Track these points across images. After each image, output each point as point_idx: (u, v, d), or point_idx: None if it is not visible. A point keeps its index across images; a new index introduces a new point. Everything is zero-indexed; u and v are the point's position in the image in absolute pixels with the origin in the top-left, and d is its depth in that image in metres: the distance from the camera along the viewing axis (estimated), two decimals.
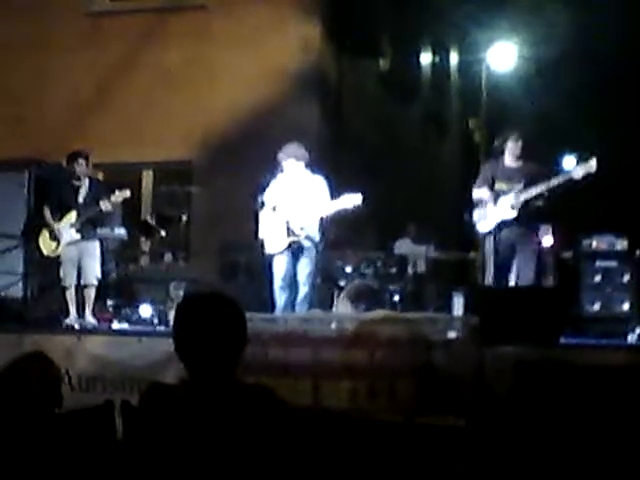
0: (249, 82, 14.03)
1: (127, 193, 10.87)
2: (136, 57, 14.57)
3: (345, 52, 14.66)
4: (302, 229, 9.61)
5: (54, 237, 10.69)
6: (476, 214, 9.97)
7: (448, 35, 20.19)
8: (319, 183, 9.77)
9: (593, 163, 9.36)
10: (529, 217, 9.77)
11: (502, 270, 9.79)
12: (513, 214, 9.69)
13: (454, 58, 21.30)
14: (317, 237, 9.75)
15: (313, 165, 9.92)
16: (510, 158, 9.92)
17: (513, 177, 9.80)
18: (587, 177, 9.40)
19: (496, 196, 9.79)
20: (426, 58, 19.44)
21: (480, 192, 9.94)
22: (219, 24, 14.27)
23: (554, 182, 9.55)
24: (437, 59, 20.05)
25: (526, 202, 9.64)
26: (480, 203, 9.95)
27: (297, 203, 9.67)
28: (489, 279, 9.83)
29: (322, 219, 9.73)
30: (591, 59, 15.44)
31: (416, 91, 18.67)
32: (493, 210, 9.80)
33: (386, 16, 16.12)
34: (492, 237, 9.81)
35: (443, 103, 20.96)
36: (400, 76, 17.27)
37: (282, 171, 9.86)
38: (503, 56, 19.20)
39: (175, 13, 14.69)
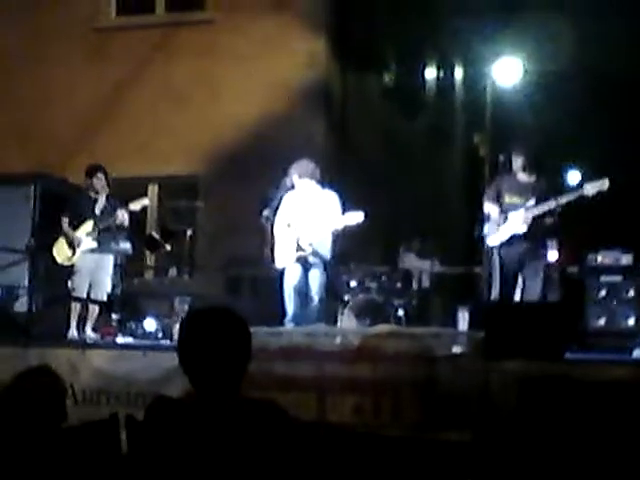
0: (255, 97, 14.06)
1: (146, 201, 11.04)
2: (142, 72, 14.61)
3: (350, 67, 14.69)
4: (310, 245, 9.65)
5: (71, 245, 10.79)
6: (486, 228, 9.96)
7: (453, 49, 20.22)
8: (330, 198, 9.83)
9: (606, 182, 9.35)
10: (538, 233, 9.76)
11: (508, 285, 9.78)
12: (523, 229, 9.68)
13: (459, 72, 21.32)
14: (327, 252, 9.80)
15: (323, 180, 9.96)
16: (520, 173, 9.92)
17: (524, 192, 9.79)
18: (598, 195, 9.42)
19: (507, 210, 9.79)
20: (431, 72, 19.46)
21: (490, 206, 9.94)
22: (225, 39, 14.30)
23: (565, 199, 9.56)
24: (442, 73, 20.07)
25: (536, 218, 9.64)
26: (490, 217, 9.95)
27: (308, 219, 9.73)
28: (494, 294, 9.82)
29: (334, 234, 9.78)
30: (596, 73, 15.45)
31: (421, 105, 18.69)
32: (503, 225, 9.79)
33: (391, 31, 16.15)
34: (498, 252, 9.81)
35: (448, 117, 20.97)
36: (405, 90, 17.29)
37: (293, 187, 9.90)
38: (508, 71, 19.19)
39: (181, 28, 14.73)
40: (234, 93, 14.18)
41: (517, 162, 9.92)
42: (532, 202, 9.66)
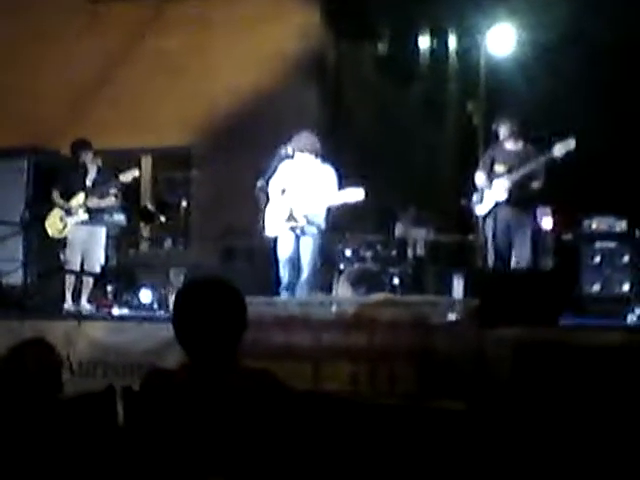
0: (248, 68, 14.01)
1: (136, 172, 11.02)
2: (135, 45, 14.55)
3: (343, 37, 14.64)
4: (304, 217, 9.62)
5: (63, 218, 10.78)
6: (474, 197, 10.02)
7: (446, 19, 20.12)
8: (328, 173, 9.77)
9: (572, 141, 9.44)
10: (525, 199, 9.81)
11: (502, 253, 9.83)
12: (505, 196, 9.74)
13: (453, 41, 21.24)
14: (321, 222, 9.76)
15: (323, 154, 9.92)
16: (508, 141, 9.96)
17: (510, 160, 9.84)
18: (569, 155, 9.48)
19: (492, 179, 9.85)
20: (424, 42, 19.39)
21: (478, 176, 10.00)
22: (218, 11, 14.23)
23: (537, 162, 9.63)
24: (436, 42, 20.00)
25: (519, 184, 9.69)
26: (478, 187, 10.01)
27: (304, 190, 9.67)
28: (489, 262, 9.86)
29: (328, 208, 9.75)
30: (590, 42, 15.41)
31: (415, 74, 18.64)
32: (488, 193, 9.85)
33: (384, 1, 16.08)
34: (489, 220, 9.86)
35: (442, 86, 20.92)
36: (398, 60, 17.23)
37: (289, 157, 9.84)
38: (502, 39, 19.15)
39: (174, 0, 14.66)
40: (228, 64, 14.13)
41: (504, 130, 9.98)
42: (516, 169, 9.73)
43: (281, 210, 9.66)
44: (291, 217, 9.63)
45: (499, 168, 9.86)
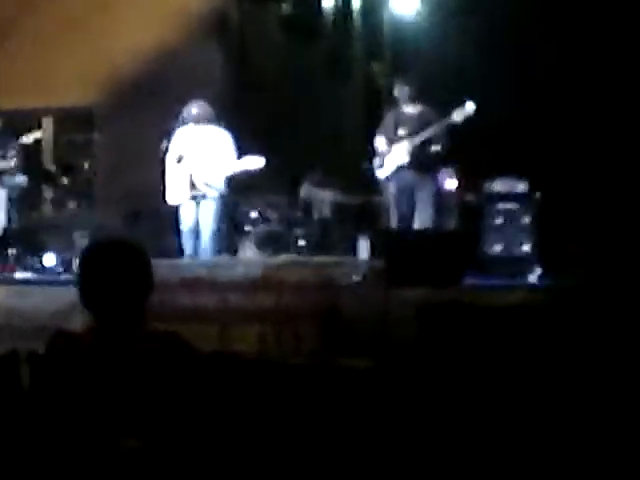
0: (151, 26, 13.81)
1: (38, 134, 10.86)
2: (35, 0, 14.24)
3: None
4: (206, 184, 9.60)
5: None
6: (375, 161, 10.13)
7: None
8: (225, 138, 9.76)
9: (470, 106, 9.59)
10: (427, 162, 9.95)
11: (405, 215, 9.96)
12: (406, 159, 9.86)
13: (357, 1, 21.20)
14: (222, 188, 9.75)
15: (219, 118, 9.89)
16: (407, 104, 10.07)
17: (410, 123, 9.97)
18: (469, 120, 9.64)
19: (392, 143, 9.96)
20: (328, 1, 19.32)
21: (378, 140, 10.11)
22: None
23: (437, 127, 9.77)
24: (339, 2, 19.93)
25: (420, 147, 9.82)
26: (379, 151, 10.11)
27: (202, 157, 9.65)
28: (393, 224, 9.98)
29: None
30: (495, 5, 15.51)
31: (319, 35, 18.57)
32: (390, 156, 9.96)
33: None
34: (392, 183, 9.98)
35: (346, 46, 20.87)
36: (302, 20, 17.14)
37: (185, 122, 9.80)
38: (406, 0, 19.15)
39: None
40: (130, 22, 13.90)
41: (402, 93, 10.08)
42: (416, 132, 9.86)
43: (180, 178, 9.63)
44: (192, 185, 9.61)
45: (400, 132, 9.97)
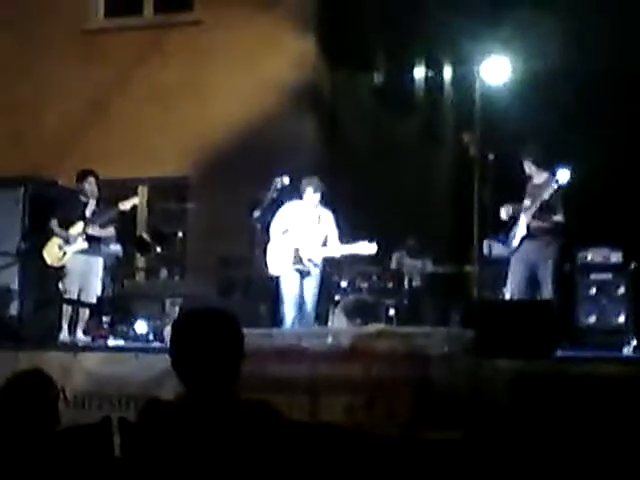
0: (245, 97, 14.04)
1: (136, 200, 11.11)
2: (132, 73, 14.58)
3: (339, 67, 14.66)
4: (310, 260, 9.78)
5: (61, 246, 10.79)
6: (510, 232, 9.93)
7: (442, 48, 20.19)
8: (329, 218, 9.98)
9: (564, 173, 9.44)
10: (540, 232, 9.72)
11: (521, 289, 9.70)
12: (524, 231, 9.71)
13: (448, 71, 21.30)
14: (322, 262, 9.96)
15: (325, 198, 10.07)
16: (534, 175, 9.92)
17: (532, 194, 9.82)
18: (562, 188, 9.47)
19: (518, 213, 9.81)
20: (420, 71, 19.45)
21: (504, 211, 9.92)
22: (215, 40, 14.28)
23: (547, 193, 9.61)
24: (431, 73, 20.05)
25: (535, 217, 9.65)
26: (507, 221, 9.94)
27: (308, 233, 9.84)
28: (514, 295, 9.69)
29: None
30: (585, 72, 15.47)
31: (410, 105, 18.67)
32: (516, 228, 9.80)
33: (380, 30, 16.14)
34: (515, 257, 9.75)
35: (437, 117, 20.96)
36: (394, 90, 17.27)
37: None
38: (497, 69, 19.17)
39: (170, 29, 14.71)
40: (224, 93, 14.16)
41: (528, 165, 9.94)
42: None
43: (285, 250, 9.81)
44: (297, 259, 9.79)
45: (525, 202, 9.83)
